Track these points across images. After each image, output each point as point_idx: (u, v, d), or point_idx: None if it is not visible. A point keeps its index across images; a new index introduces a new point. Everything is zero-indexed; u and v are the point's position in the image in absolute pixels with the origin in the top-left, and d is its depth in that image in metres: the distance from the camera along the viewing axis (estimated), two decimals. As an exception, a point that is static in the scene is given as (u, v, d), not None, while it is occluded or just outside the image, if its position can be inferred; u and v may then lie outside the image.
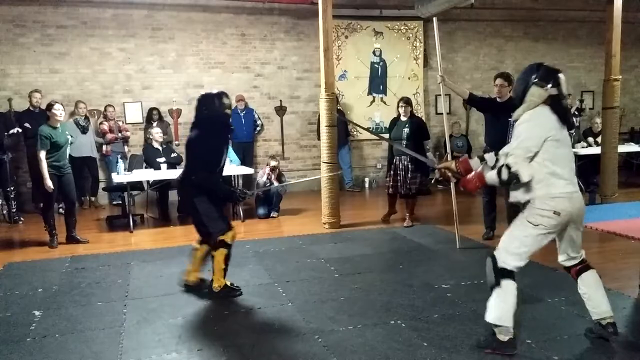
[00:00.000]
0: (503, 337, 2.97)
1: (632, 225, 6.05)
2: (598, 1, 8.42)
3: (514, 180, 2.90)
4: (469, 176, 3.21)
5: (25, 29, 8.04)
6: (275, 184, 7.04)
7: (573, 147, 8.24)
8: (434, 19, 5.55)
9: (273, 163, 7.12)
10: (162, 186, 7.09)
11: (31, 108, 7.53)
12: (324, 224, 6.41)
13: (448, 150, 5.81)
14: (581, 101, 10.21)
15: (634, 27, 10.10)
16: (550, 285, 4.13)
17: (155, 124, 8.19)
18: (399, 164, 6.21)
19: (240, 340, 3.30)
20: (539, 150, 2.89)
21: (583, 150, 8.22)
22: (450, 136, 9.73)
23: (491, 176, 3.03)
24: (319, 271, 4.70)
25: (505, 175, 2.90)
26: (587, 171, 8.18)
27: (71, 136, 5.98)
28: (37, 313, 3.80)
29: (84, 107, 7.93)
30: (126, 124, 8.39)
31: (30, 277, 4.67)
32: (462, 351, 3.07)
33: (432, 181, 3.50)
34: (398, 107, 6.35)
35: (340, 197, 6.62)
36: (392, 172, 6.30)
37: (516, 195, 3.03)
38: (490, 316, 2.97)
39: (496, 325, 2.98)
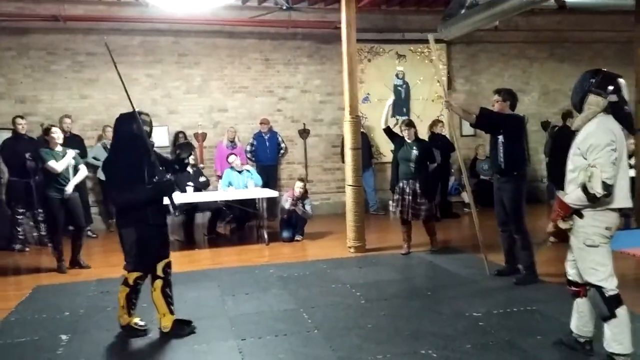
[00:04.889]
0: None
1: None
2: (625, 21, 8.29)
3: (607, 193, 2.83)
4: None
5: (56, 56, 8.28)
6: (300, 208, 7.00)
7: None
8: (429, 36, 5.37)
9: (298, 188, 7.02)
10: (189, 209, 7.13)
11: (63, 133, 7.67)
12: (350, 248, 6.33)
13: (467, 184, 5.68)
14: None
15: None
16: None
17: (181, 147, 8.27)
18: (406, 187, 5.99)
19: (266, 369, 3.24)
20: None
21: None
22: (476, 159, 9.71)
23: (576, 196, 2.93)
24: (345, 297, 4.62)
25: (599, 187, 2.81)
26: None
27: (74, 159, 5.85)
28: (64, 337, 3.80)
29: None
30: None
31: (57, 301, 4.70)
32: (497, 383, 2.94)
33: (549, 242, 3.31)
34: (400, 130, 6.21)
35: (365, 221, 6.54)
36: (398, 197, 6.05)
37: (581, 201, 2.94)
38: (615, 347, 2.95)
39: (620, 354, 2.95)
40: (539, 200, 9.42)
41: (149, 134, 3.83)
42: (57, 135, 5.74)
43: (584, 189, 2.87)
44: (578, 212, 2.99)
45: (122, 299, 3.75)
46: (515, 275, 4.93)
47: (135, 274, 3.72)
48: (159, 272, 3.78)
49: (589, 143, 2.90)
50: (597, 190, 2.82)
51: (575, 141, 3.04)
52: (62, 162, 5.65)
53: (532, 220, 5.04)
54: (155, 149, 3.83)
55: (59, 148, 5.73)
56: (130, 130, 3.70)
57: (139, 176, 3.66)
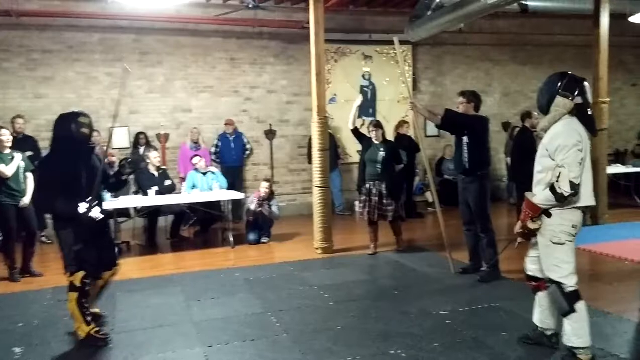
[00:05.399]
0: (586, 357, 3.02)
1: (625, 246, 6.00)
2: (584, 26, 8.54)
3: (574, 192, 2.90)
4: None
5: (9, 53, 7.92)
6: (267, 209, 6.90)
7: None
8: (395, 39, 5.41)
9: (264, 188, 6.92)
10: (151, 213, 6.93)
11: (14, 134, 7.31)
12: (317, 249, 6.28)
13: (432, 184, 5.73)
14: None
15: (617, 50, 10.26)
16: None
17: (143, 148, 8.06)
18: (373, 188, 5.97)
19: (233, 376, 3.15)
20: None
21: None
22: (443, 159, 9.83)
23: (544, 197, 2.98)
24: (313, 299, 4.57)
25: (567, 187, 2.87)
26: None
27: (23, 162, 5.55)
28: (17, 350, 3.60)
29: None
30: (112, 149, 8.23)
31: (10, 311, 4.45)
32: (467, 383, 2.95)
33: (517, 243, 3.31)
34: (368, 131, 6.22)
35: (331, 222, 6.50)
36: (365, 198, 6.03)
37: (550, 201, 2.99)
38: (575, 342, 3.03)
39: (580, 348, 3.02)
40: (500, 199, 9.61)
41: (89, 136, 3.74)
42: (6, 137, 5.43)
43: (552, 188, 2.92)
44: (546, 212, 3.03)
45: (74, 307, 3.59)
46: (479, 272, 4.99)
47: (80, 274, 3.57)
48: (78, 283, 3.59)
49: (557, 144, 2.96)
50: (565, 189, 2.88)
51: (543, 143, 3.09)
52: (11, 166, 5.35)
53: (494, 219, 5.09)
54: (97, 150, 3.78)
55: (7, 151, 5.42)
56: (67, 131, 3.57)
57: (75, 181, 3.52)
